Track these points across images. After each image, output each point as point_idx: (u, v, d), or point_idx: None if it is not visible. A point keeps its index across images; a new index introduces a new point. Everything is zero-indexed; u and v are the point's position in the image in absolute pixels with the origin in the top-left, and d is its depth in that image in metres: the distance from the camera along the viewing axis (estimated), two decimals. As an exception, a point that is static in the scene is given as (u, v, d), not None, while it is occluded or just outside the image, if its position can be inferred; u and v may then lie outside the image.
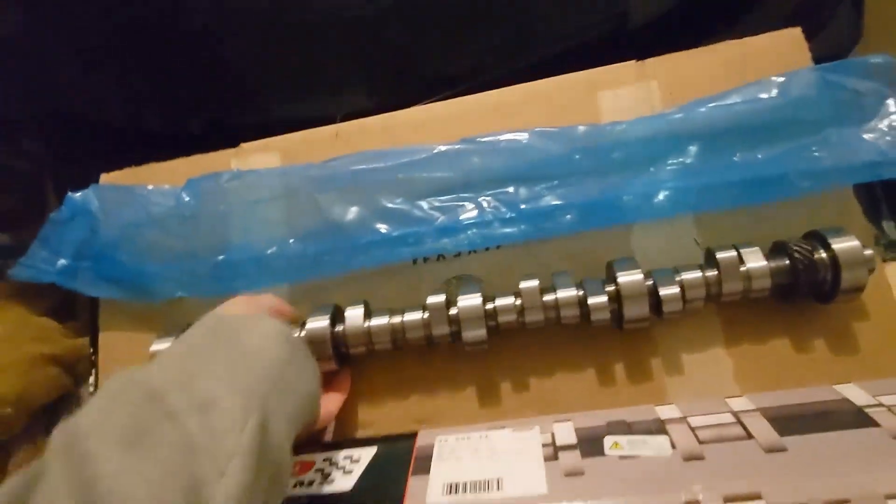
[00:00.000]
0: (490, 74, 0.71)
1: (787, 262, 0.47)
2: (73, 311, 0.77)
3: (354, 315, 0.51)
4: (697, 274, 0.48)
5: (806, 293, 0.48)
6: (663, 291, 0.47)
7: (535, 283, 0.49)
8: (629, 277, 0.47)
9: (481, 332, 0.49)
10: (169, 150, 0.65)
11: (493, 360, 0.54)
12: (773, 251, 0.49)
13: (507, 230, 0.53)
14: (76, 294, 0.59)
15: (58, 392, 0.75)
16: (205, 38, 0.72)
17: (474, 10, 0.71)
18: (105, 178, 0.63)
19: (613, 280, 0.48)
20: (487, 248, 0.56)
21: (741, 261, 0.48)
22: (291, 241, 0.55)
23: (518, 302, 0.50)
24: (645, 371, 0.51)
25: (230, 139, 0.65)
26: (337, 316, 0.52)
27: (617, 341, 0.52)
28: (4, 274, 0.64)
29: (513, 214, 0.52)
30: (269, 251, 0.55)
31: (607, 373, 0.52)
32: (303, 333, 0.50)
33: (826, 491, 0.34)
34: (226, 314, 0.44)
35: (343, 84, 0.74)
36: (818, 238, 0.47)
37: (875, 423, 0.39)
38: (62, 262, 0.56)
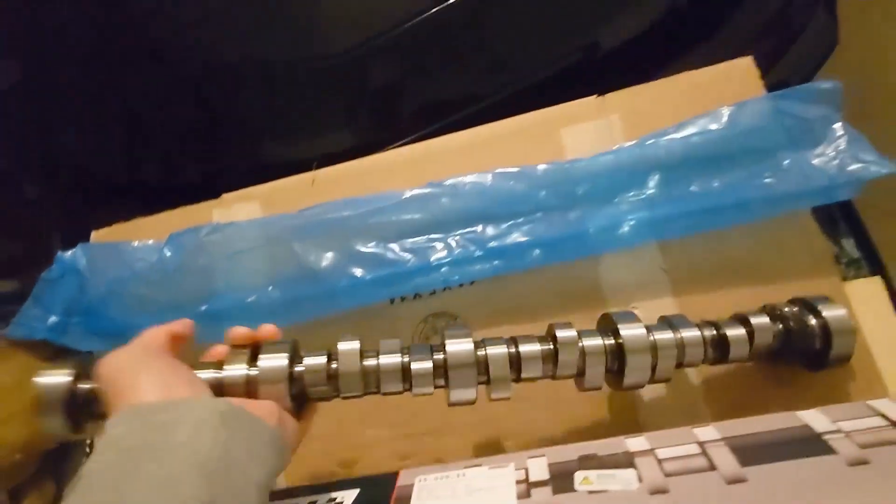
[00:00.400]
0: (465, 111, 0.73)
1: (780, 326, 0.48)
2: (77, 355, 0.79)
3: (316, 365, 0.47)
4: (697, 335, 0.48)
5: (795, 359, 0.49)
6: (661, 365, 0.47)
7: (536, 346, 0.47)
8: (633, 333, 0.47)
9: (471, 394, 0.47)
10: (164, 196, 0.67)
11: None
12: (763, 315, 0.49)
13: (477, 267, 0.55)
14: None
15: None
16: (193, 86, 0.75)
17: (450, 50, 0.73)
18: (95, 234, 0.65)
19: (613, 333, 0.47)
20: (461, 285, 0.58)
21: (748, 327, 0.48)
22: (271, 288, 0.57)
23: (512, 351, 0.47)
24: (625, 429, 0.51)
25: (220, 185, 0.66)
26: (295, 356, 0.47)
27: (601, 396, 0.53)
28: (9, 322, 0.66)
29: (481, 252, 0.54)
30: (249, 299, 0.57)
31: (589, 425, 0.53)
32: (254, 372, 0.44)
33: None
34: (141, 405, 0.36)
35: (323, 125, 0.77)
36: (806, 305, 0.48)
37: (833, 451, 0.40)
38: (53, 319, 0.58)
